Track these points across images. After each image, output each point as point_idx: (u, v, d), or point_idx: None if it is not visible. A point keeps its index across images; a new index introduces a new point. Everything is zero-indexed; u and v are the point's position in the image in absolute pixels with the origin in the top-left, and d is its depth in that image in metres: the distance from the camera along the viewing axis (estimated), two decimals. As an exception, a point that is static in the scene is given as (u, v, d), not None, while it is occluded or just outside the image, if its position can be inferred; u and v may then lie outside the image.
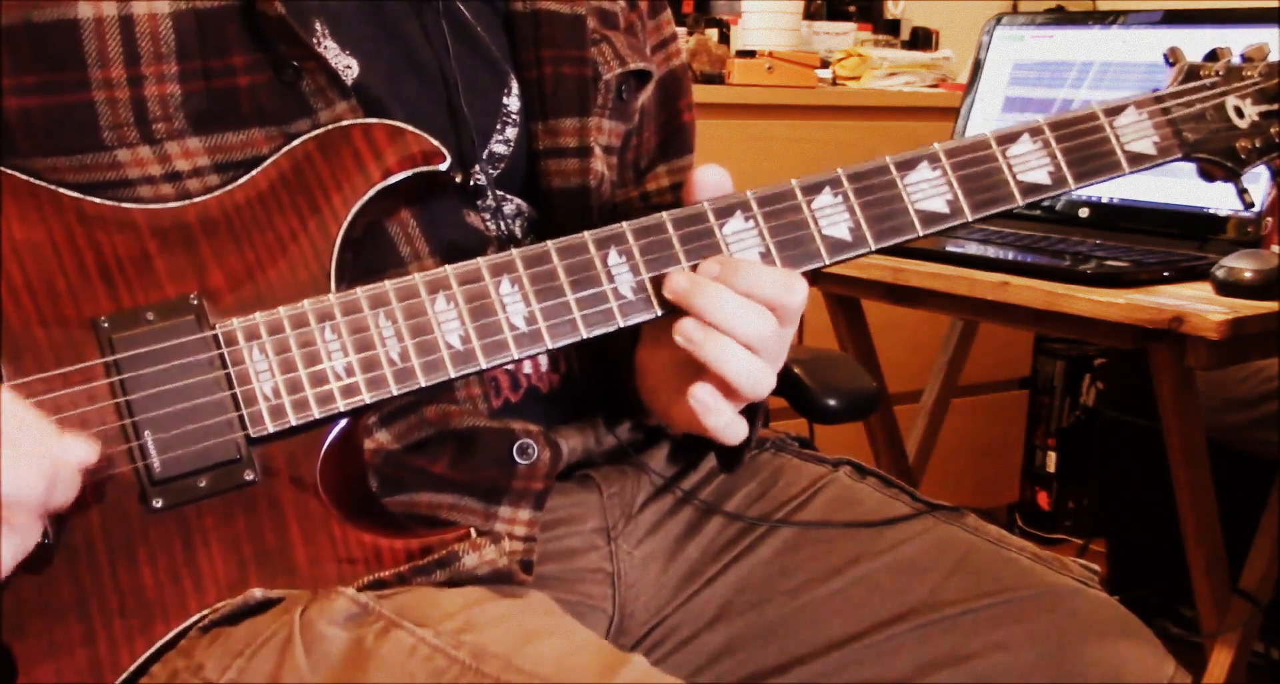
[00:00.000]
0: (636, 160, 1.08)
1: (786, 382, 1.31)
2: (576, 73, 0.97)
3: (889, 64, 2.81)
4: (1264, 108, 0.96)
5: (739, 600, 0.98)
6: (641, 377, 0.94)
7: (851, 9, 3.13)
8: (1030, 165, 0.90)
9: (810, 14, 2.96)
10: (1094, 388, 2.85)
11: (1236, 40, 1.01)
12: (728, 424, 0.84)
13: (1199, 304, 1.46)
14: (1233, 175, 0.97)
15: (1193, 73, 0.96)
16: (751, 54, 2.57)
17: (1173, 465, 1.72)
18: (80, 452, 0.73)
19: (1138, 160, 0.93)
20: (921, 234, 0.88)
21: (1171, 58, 0.98)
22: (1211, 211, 1.76)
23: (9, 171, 0.80)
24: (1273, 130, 0.96)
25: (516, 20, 0.97)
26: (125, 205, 0.81)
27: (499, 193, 0.96)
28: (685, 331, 0.82)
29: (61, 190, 0.80)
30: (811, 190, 0.86)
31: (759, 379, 0.83)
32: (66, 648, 0.75)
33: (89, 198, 0.81)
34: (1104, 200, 1.89)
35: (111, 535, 0.77)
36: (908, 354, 2.52)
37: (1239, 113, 0.96)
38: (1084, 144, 0.91)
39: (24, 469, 0.69)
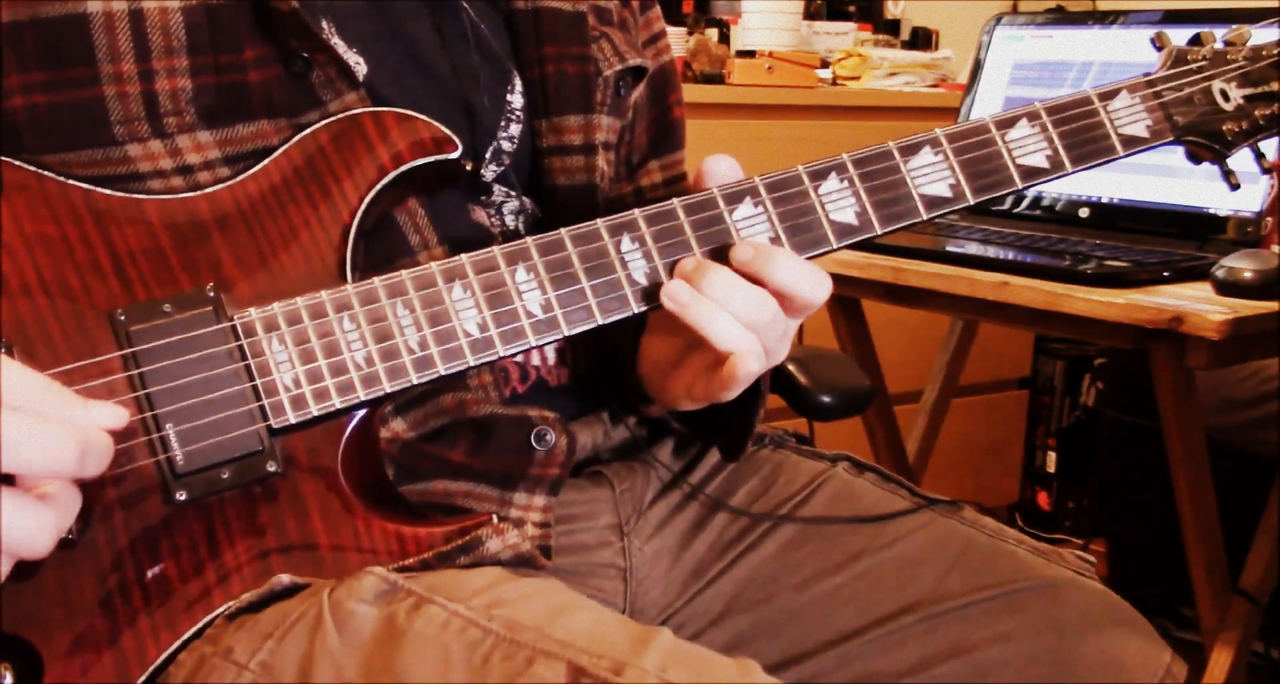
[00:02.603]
0: (629, 156, 1.09)
1: (782, 379, 1.32)
2: (579, 70, 0.98)
3: (889, 64, 2.81)
4: (1248, 91, 0.98)
5: (745, 596, 0.99)
6: (642, 360, 0.95)
7: (851, 9, 3.14)
8: (1028, 149, 0.91)
9: (810, 14, 2.97)
10: (1094, 388, 2.85)
11: (1236, 40, 1.02)
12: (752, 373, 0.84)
13: (1199, 304, 1.47)
14: (1219, 157, 0.98)
15: (1180, 57, 0.98)
16: (751, 54, 2.58)
17: (1173, 465, 1.73)
18: (109, 415, 0.71)
19: (1131, 143, 0.94)
20: (925, 217, 0.89)
21: (1159, 43, 1.00)
22: (1211, 211, 1.77)
23: (18, 164, 0.79)
24: (1258, 113, 0.98)
25: (518, 18, 0.98)
26: (137, 197, 0.80)
27: (503, 189, 0.96)
28: (672, 292, 0.82)
29: (72, 183, 0.79)
30: (818, 176, 0.87)
31: (752, 348, 0.83)
32: (92, 643, 0.74)
33: (100, 189, 0.80)
34: (1104, 200, 1.89)
35: (134, 529, 0.76)
36: (908, 354, 2.53)
37: (1225, 96, 0.97)
38: (1080, 128, 0.92)
39: (54, 437, 0.67)
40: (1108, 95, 0.94)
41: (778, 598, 0.98)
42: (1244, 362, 1.88)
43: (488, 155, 0.95)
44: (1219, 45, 0.99)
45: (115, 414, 0.72)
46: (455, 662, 0.71)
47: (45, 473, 0.67)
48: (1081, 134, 0.92)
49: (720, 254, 0.84)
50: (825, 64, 2.82)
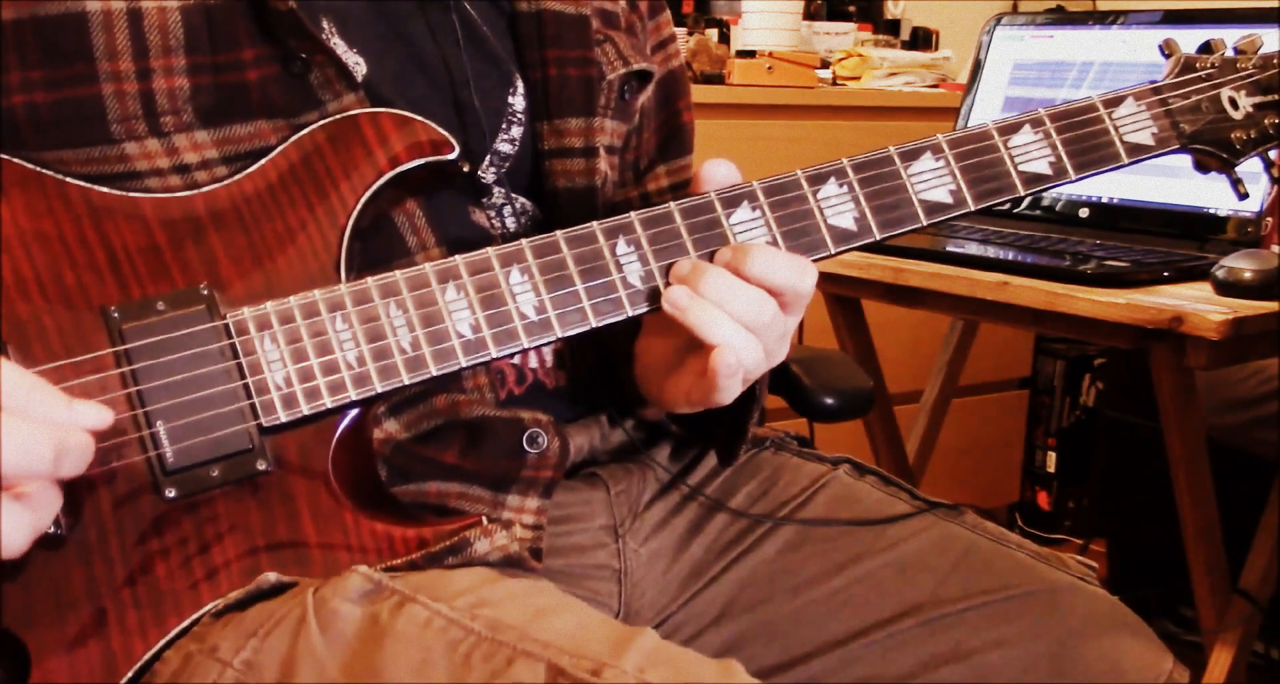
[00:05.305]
0: (636, 161, 1.09)
1: (784, 380, 1.32)
2: (581, 73, 0.98)
3: (889, 64, 2.81)
4: (1258, 99, 0.97)
5: (743, 598, 0.99)
6: (638, 362, 0.95)
7: (851, 9, 3.13)
8: (1031, 156, 0.90)
9: (810, 14, 2.97)
10: (1094, 388, 2.85)
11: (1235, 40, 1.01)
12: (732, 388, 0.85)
13: (1199, 304, 1.46)
14: (1228, 166, 0.98)
15: (1189, 65, 0.97)
16: (751, 54, 2.58)
17: (1173, 465, 1.73)
18: (93, 415, 0.71)
19: (1136, 151, 0.93)
20: (925, 224, 0.88)
21: (1167, 50, 0.99)
22: (1211, 211, 1.76)
23: (15, 161, 0.79)
24: (1267, 122, 0.97)
25: (521, 20, 0.98)
26: (133, 195, 0.80)
27: (503, 191, 0.96)
28: (672, 298, 0.82)
29: (69, 180, 0.79)
30: (817, 180, 0.87)
31: (748, 350, 0.83)
32: (80, 639, 0.75)
33: (97, 187, 0.80)
34: (1104, 200, 1.89)
35: (124, 526, 0.76)
36: (908, 354, 2.52)
37: (1233, 104, 0.96)
38: (1084, 135, 0.92)
39: (30, 436, 0.67)
40: (1113, 102, 0.93)
41: (776, 600, 0.98)
42: (1244, 362, 1.88)
43: (487, 157, 0.95)
44: (1229, 53, 0.98)
45: (100, 414, 0.72)
46: (436, 661, 0.71)
47: (19, 473, 0.67)
48: (1085, 141, 0.92)
49: (709, 259, 0.84)
50: (825, 64, 2.82)
